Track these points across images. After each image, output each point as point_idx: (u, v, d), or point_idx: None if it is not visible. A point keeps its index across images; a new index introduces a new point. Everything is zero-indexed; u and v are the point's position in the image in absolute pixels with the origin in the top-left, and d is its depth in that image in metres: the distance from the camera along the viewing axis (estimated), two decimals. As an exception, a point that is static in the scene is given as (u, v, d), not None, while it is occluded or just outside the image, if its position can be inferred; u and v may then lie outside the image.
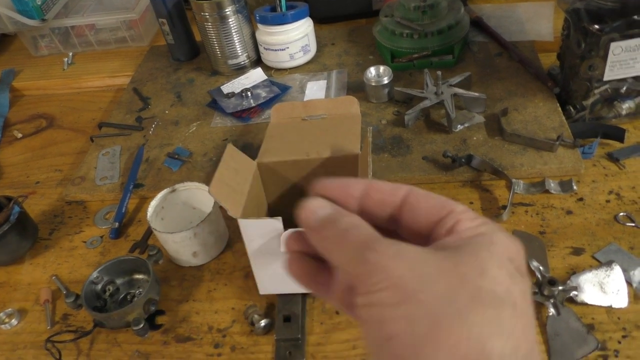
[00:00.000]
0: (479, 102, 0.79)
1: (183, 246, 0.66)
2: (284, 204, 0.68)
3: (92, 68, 1.12)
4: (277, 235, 0.55)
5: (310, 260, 0.29)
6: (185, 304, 0.65)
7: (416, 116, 0.80)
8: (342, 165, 0.63)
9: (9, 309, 0.67)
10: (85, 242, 0.75)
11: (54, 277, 0.70)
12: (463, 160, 0.71)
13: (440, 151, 0.75)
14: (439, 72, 0.79)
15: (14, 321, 0.66)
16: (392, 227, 0.28)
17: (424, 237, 0.27)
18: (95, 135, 0.91)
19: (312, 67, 0.97)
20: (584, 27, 0.72)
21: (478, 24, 0.97)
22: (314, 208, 0.27)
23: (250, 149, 0.82)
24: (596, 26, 0.69)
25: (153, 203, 0.68)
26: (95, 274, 0.64)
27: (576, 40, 0.74)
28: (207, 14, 0.91)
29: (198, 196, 0.71)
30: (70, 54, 1.16)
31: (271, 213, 0.69)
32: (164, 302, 0.65)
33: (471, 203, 0.69)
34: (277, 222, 0.54)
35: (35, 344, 0.63)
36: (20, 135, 1.02)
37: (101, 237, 0.75)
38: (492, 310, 0.21)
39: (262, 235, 0.56)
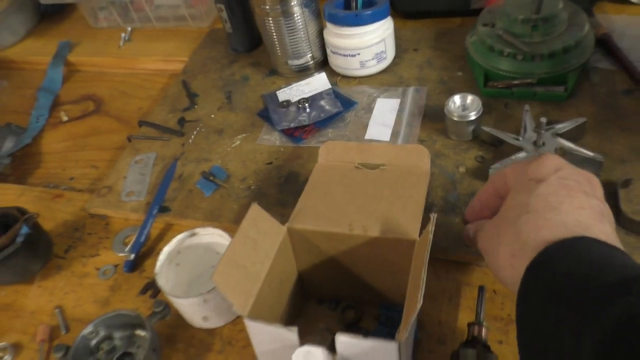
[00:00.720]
0: (592, 163, 0.60)
1: (192, 311, 0.56)
2: (317, 276, 0.55)
3: (148, 48, 1.02)
4: (291, 346, 0.43)
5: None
6: (186, 378, 0.55)
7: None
8: (393, 248, 0.49)
9: (4, 343, 0.60)
10: (98, 269, 0.66)
11: (57, 310, 0.63)
12: (558, 249, 0.54)
13: (529, 224, 0.58)
14: (543, 120, 0.60)
15: (7, 357, 0.60)
16: None
17: None
18: (133, 135, 0.82)
19: (385, 79, 0.80)
20: None
21: (605, 44, 0.75)
22: (466, 232, 0.51)
23: (296, 180, 0.69)
24: None
25: (166, 249, 0.58)
26: (90, 328, 0.55)
27: None
28: (267, 7, 0.77)
29: (220, 241, 0.60)
30: (129, 28, 1.06)
31: (302, 284, 0.56)
32: (163, 371, 0.55)
33: (561, 307, 0.53)
34: (291, 334, 0.42)
35: (21, 394, 0.56)
36: (66, 118, 0.95)
37: (115, 266, 0.66)
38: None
39: (272, 340, 0.44)
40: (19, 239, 0.62)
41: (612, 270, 0.34)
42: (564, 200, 0.40)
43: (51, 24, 1.18)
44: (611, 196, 0.58)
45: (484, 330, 0.50)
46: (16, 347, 0.60)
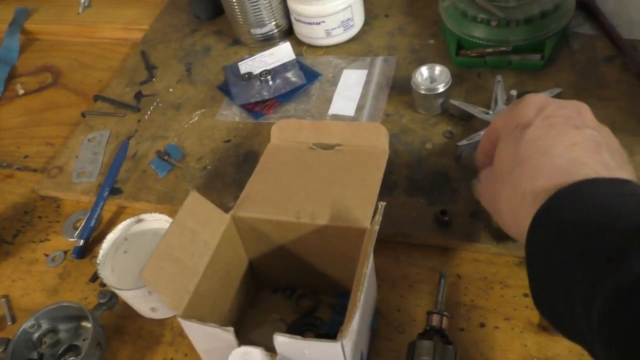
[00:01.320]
0: (565, 138, 0.56)
1: (138, 303, 0.53)
2: (269, 264, 0.52)
3: (109, 15, 0.96)
4: (229, 346, 0.40)
5: None
6: (134, 372, 0.52)
7: (474, 147, 0.58)
8: (343, 237, 0.45)
9: (-53, 335, 0.58)
10: (47, 255, 0.63)
11: (2, 300, 0.60)
12: (524, 234, 0.50)
13: (496, 205, 0.54)
14: (514, 92, 0.56)
15: (-50, 350, 0.57)
16: None
17: None
18: (87, 111, 0.77)
19: (353, 48, 0.75)
20: None
21: (586, 7, 0.70)
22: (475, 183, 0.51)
23: (254, 160, 0.64)
24: None
25: (110, 237, 0.54)
26: (31, 321, 0.52)
27: None
28: (224, -30, 0.71)
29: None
30: (88, -7, 1.00)
31: (254, 272, 0.53)
32: (109, 364, 0.53)
33: (526, 295, 0.50)
34: (227, 334, 0.39)
35: (-37, 389, 0.54)
36: (22, 91, 0.90)
37: (65, 252, 0.63)
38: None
39: (210, 339, 0.41)
40: (-42, 227, 0.59)
41: (620, 214, 0.32)
42: (554, 142, 0.38)
43: (8, -10, 1.11)
44: (583, 175, 0.55)
45: (443, 320, 0.47)
46: (-40, 339, 0.58)
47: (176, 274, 0.42)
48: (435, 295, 0.51)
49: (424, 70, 0.63)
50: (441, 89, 0.61)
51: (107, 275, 0.52)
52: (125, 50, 0.92)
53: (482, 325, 0.49)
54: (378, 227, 0.39)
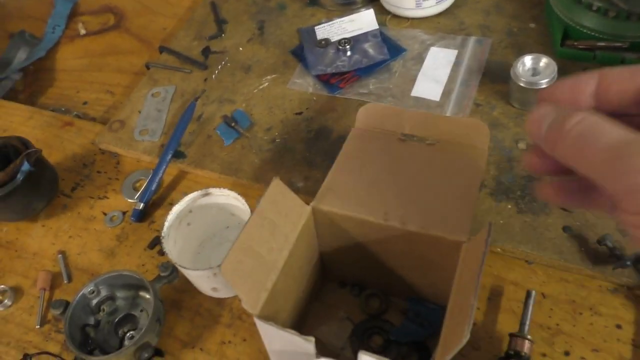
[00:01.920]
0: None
1: (200, 282, 0.50)
2: (340, 259, 0.48)
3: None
4: (306, 355, 0.37)
5: (562, 178, 0.28)
6: (190, 350, 0.50)
7: (574, 153, 0.53)
8: (434, 247, 0.41)
9: (4, 286, 0.57)
10: (105, 214, 0.61)
11: (60, 256, 0.58)
12: (628, 262, 0.46)
13: (596, 224, 0.49)
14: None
15: (7, 301, 0.56)
16: None
17: None
18: (151, 62, 0.74)
19: (443, 23, 0.69)
20: None
21: None
22: (539, 117, 0.25)
23: (327, 137, 0.60)
24: None
25: (176, 209, 0.51)
26: (91, 286, 0.50)
27: None
28: None
29: (236, 204, 0.53)
30: None
31: (324, 264, 0.50)
32: (166, 339, 0.51)
33: (618, 327, 0.46)
34: (308, 344, 0.36)
35: (18, 343, 0.53)
36: (84, 31, 0.87)
37: (123, 213, 0.61)
38: None
39: (284, 342, 0.38)
40: (20, 177, 0.57)
41: None
42: None
43: None
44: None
45: (527, 344, 0.44)
46: (16, 292, 0.57)
47: (254, 268, 0.39)
48: (516, 312, 0.47)
49: (527, 61, 0.57)
50: (545, 84, 0.55)
51: (170, 249, 0.50)
52: (192, -1, 0.87)
53: (567, 354, 0.45)
54: (487, 249, 0.35)
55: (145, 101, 0.69)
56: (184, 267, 0.48)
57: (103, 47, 0.84)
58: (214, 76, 0.69)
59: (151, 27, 0.85)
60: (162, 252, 0.57)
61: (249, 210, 0.50)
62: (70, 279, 0.57)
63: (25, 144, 0.60)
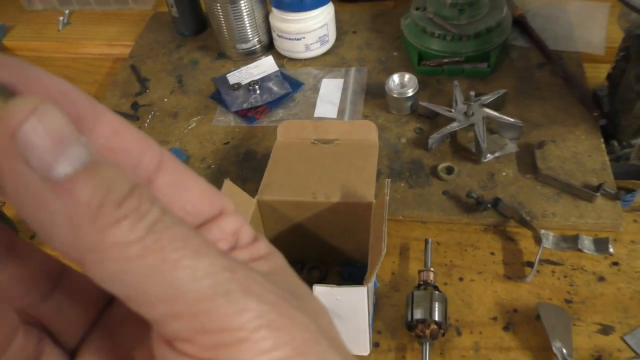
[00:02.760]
0: (513, 128, 0.70)
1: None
2: (283, 242, 0.61)
3: (90, 32, 1.02)
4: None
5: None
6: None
7: (441, 139, 0.71)
8: (352, 212, 0.56)
9: None
10: (68, 252, 0.69)
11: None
12: (489, 205, 0.63)
13: (464, 185, 0.67)
14: (472, 93, 0.69)
15: None
16: None
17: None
18: (86, 121, 0.83)
19: (329, 60, 0.87)
20: (648, 59, 0.62)
21: (520, 24, 0.85)
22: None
23: (253, 157, 0.74)
24: (664, 65, 0.59)
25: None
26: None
27: (635, 73, 0.63)
28: (215, -7, 0.80)
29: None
30: (67, 11, 1.05)
31: (270, 248, 0.62)
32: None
33: (492, 254, 0.63)
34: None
35: None
36: (8, 105, 0.94)
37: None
38: None
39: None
40: (-12, 227, 0.64)
41: None
42: None
43: (-23, 8, 1.14)
44: (529, 155, 0.69)
45: (432, 274, 0.59)
46: None
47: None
48: (421, 259, 0.62)
49: (395, 78, 0.75)
50: (411, 93, 0.74)
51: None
52: (109, 65, 0.99)
53: (461, 279, 0.61)
54: (388, 197, 0.50)
55: (87, 153, 0.78)
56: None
57: (31, 117, 0.92)
58: (146, 124, 0.81)
59: (74, 94, 0.95)
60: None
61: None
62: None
63: (-15, 201, 0.67)
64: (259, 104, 0.80)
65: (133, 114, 0.83)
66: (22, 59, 0.15)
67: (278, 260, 0.19)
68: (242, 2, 0.81)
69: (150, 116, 0.82)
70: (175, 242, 0.14)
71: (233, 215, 0.18)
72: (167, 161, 0.17)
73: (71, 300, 0.18)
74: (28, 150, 0.13)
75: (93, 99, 0.16)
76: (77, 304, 0.19)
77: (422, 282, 0.58)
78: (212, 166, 0.74)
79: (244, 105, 0.80)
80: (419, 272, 0.59)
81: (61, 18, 1.04)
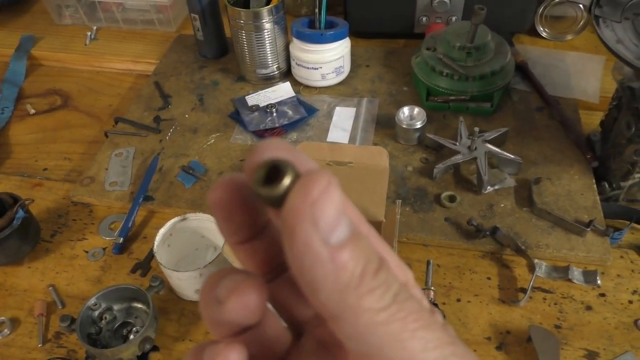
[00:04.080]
0: (513, 164, 0.75)
1: (187, 284, 0.64)
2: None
3: (115, 48, 1.07)
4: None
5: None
6: (181, 342, 0.63)
7: (445, 169, 0.76)
8: (363, 229, 0.60)
9: (1, 318, 0.65)
10: (87, 252, 0.73)
11: (50, 288, 0.68)
12: (487, 233, 0.68)
13: (464, 213, 0.72)
14: (477, 129, 0.75)
15: (6, 331, 0.65)
16: None
17: None
18: (110, 130, 0.88)
19: (342, 90, 0.92)
20: (638, 109, 0.68)
21: (522, 70, 0.92)
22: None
23: (268, 175, 0.78)
24: (652, 115, 0.65)
25: (162, 231, 0.66)
26: (93, 300, 0.62)
27: (626, 121, 0.69)
28: (242, 21, 0.86)
29: (208, 225, 0.69)
30: (94, 28, 1.11)
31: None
32: (159, 337, 0.63)
33: (488, 278, 0.67)
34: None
35: (24, 361, 0.62)
36: (33, 111, 0.99)
37: (104, 249, 0.73)
38: None
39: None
40: (16, 222, 0.68)
41: None
42: None
43: (10, 17, 1.19)
44: (526, 190, 0.74)
45: (432, 293, 0.63)
46: (14, 322, 0.66)
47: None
48: (423, 279, 0.67)
49: (405, 110, 0.81)
50: (419, 125, 0.79)
51: (161, 260, 0.64)
52: (132, 80, 1.04)
53: (458, 300, 0.65)
54: (399, 215, 0.55)
55: (110, 160, 0.82)
56: (175, 270, 0.61)
57: (54, 123, 0.96)
58: (167, 137, 0.86)
59: (97, 104, 0.99)
60: (144, 274, 0.70)
61: (218, 233, 0.66)
62: (64, 305, 0.67)
63: (13, 197, 0.71)
64: (275, 125, 0.85)
65: (155, 127, 0.87)
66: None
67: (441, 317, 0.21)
68: (265, 31, 0.87)
69: (171, 130, 0.87)
70: (413, 313, 0.17)
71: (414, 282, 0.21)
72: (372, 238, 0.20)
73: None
74: (320, 215, 0.16)
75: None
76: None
77: (423, 300, 0.62)
78: (229, 180, 0.78)
79: (261, 126, 0.85)
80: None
81: (89, 33, 1.10)
